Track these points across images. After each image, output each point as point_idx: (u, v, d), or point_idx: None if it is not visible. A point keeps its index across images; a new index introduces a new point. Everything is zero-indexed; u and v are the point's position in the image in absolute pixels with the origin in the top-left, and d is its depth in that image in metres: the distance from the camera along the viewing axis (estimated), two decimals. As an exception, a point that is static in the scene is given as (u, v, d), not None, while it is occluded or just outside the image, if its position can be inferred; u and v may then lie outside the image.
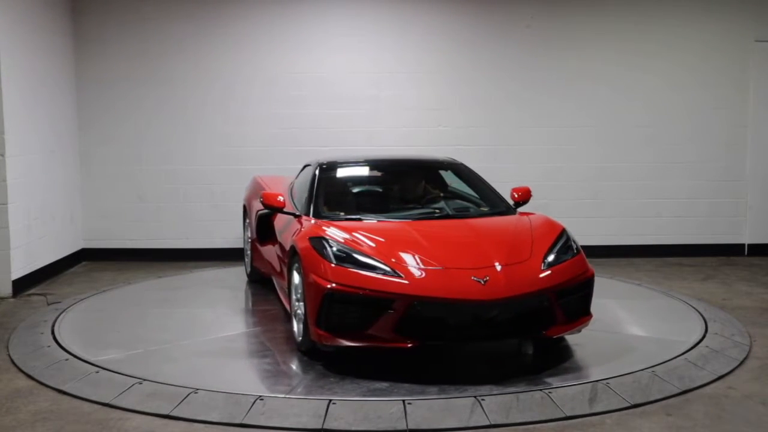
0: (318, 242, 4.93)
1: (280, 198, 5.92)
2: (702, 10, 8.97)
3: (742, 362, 4.96)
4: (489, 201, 6.08)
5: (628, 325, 5.56)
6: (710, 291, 7.20)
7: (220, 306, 6.56)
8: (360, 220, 5.55)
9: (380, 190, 6.36)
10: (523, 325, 4.76)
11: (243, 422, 4.00)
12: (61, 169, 8.26)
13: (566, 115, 8.95)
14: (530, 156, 8.92)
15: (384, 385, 4.46)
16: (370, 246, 4.91)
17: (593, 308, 5.08)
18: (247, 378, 4.74)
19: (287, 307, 5.59)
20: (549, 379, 4.51)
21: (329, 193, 6.04)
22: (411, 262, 4.76)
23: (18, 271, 7.08)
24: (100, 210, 8.86)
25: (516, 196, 6.12)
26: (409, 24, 8.84)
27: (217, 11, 8.73)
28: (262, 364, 4.96)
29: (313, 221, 5.52)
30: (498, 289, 4.57)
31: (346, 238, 4.98)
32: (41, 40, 7.83)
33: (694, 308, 6.27)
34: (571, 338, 5.34)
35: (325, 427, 3.94)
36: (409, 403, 4.14)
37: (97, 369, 4.75)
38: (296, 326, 5.21)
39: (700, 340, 5.32)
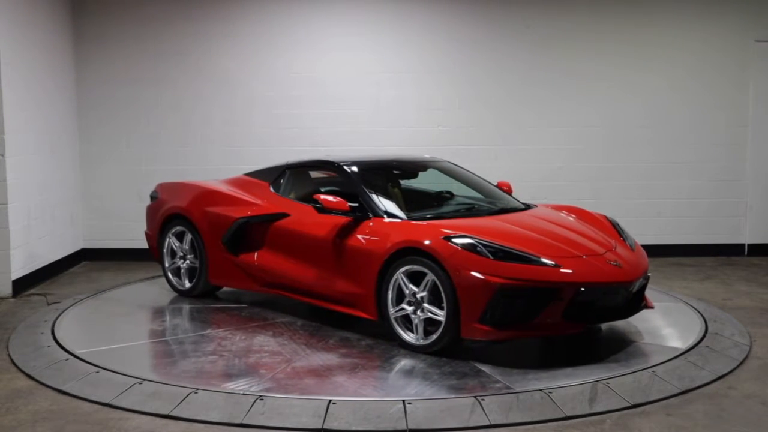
0: (463, 240, 4.84)
1: (339, 200, 5.50)
2: (702, 10, 8.97)
3: (742, 362, 4.96)
4: (501, 197, 6.24)
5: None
6: (710, 291, 7.20)
7: (220, 324, 6.54)
8: (441, 218, 5.48)
9: (410, 189, 6.18)
10: (638, 301, 5.30)
11: (243, 422, 4.00)
12: (61, 169, 8.26)
13: (567, 115, 8.95)
14: (531, 156, 8.93)
15: (569, 370, 4.66)
16: (505, 240, 4.94)
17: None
18: (433, 389, 4.41)
19: (358, 315, 5.37)
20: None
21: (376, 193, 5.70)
22: (552, 252, 4.94)
23: (18, 271, 7.08)
24: (100, 210, 8.86)
25: (505, 189, 6.48)
26: (410, 23, 8.84)
27: (217, 11, 8.73)
28: (419, 371, 4.71)
29: (403, 221, 5.32)
30: (630, 271, 5.06)
31: (476, 234, 4.94)
32: (41, 40, 7.83)
33: (694, 308, 6.27)
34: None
35: (325, 427, 3.94)
36: (409, 403, 4.14)
37: (97, 369, 4.74)
38: (405, 332, 5.05)
39: (700, 340, 5.32)
